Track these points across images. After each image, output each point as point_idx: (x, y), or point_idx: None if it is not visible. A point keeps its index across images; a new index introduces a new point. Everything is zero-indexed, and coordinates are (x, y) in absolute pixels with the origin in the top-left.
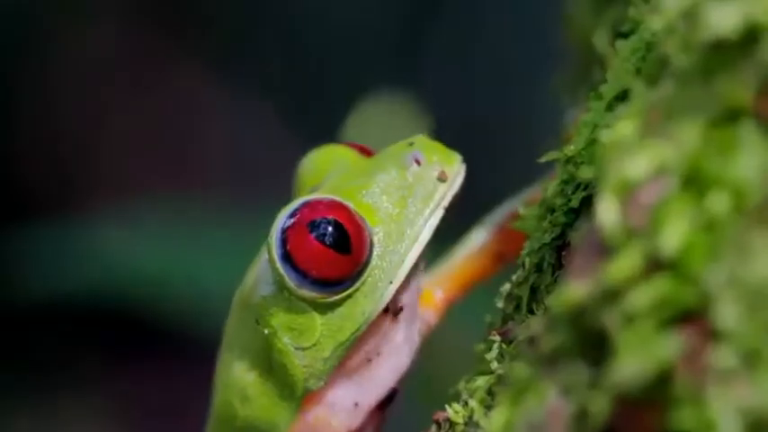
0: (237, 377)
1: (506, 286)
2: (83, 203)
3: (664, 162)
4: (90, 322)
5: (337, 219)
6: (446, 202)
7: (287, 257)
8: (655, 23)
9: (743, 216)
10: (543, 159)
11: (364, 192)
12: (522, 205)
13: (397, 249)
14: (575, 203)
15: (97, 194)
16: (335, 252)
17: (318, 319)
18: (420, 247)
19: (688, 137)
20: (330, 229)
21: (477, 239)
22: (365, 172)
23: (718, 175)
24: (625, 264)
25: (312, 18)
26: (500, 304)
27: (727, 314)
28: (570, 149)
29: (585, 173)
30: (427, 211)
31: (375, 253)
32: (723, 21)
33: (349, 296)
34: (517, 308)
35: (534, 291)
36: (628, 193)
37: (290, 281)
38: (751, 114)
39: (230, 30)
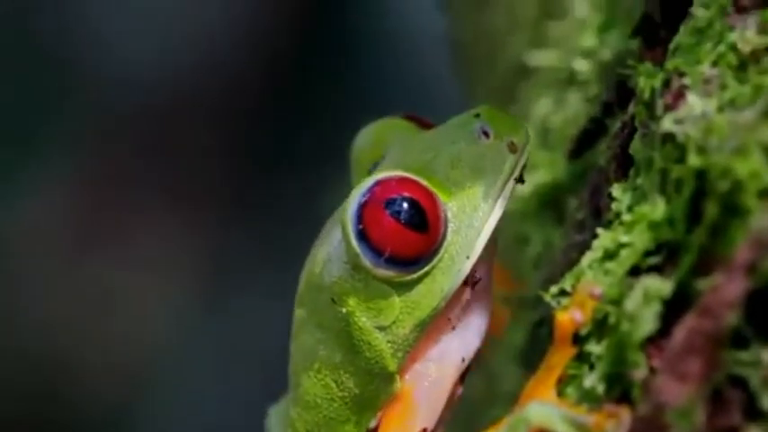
0: (326, 359)
1: None
2: None
3: None
4: None
5: (413, 196)
6: (516, 173)
7: (363, 237)
8: None
9: None
10: None
11: (434, 166)
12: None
13: (473, 223)
14: None
15: None
16: (413, 230)
17: (396, 297)
18: (495, 220)
19: None
20: (406, 206)
21: None
22: (431, 146)
23: None
24: None
25: None
26: None
27: None
28: None
29: None
30: (499, 183)
31: (450, 228)
32: None
33: (426, 273)
34: None
35: None
36: None
37: (367, 260)
38: None
39: None
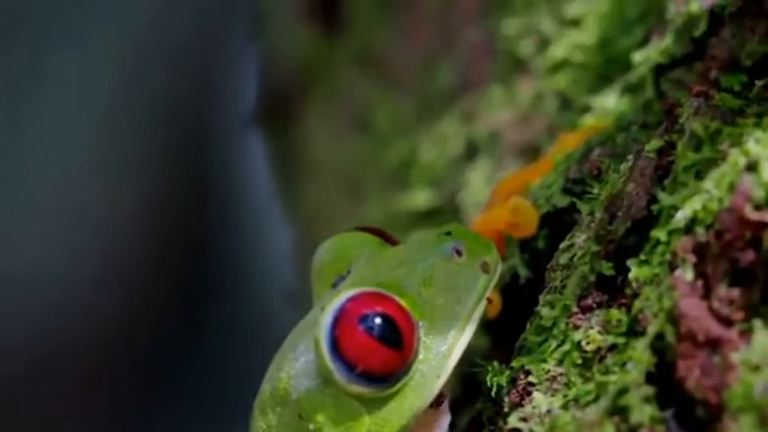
0: None
1: None
2: None
3: None
4: None
5: (387, 312)
6: (488, 293)
7: (336, 352)
8: None
9: None
10: None
11: (407, 283)
12: None
13: (444, 342)
14: None
15: None
16: (386, 346)
17: (366, 414)
18: (466, 340)
19: None
20: (380, 322)
21: None
22: (403, 262)
23: None
24: None
25: None
26: None
27: None
28: None
29: None
30: (471, 302)
31: (422, 346)
32: None
33: (398, 391)
34: None
35: None
36: None
37: (340, 376)
38: None
39: None
